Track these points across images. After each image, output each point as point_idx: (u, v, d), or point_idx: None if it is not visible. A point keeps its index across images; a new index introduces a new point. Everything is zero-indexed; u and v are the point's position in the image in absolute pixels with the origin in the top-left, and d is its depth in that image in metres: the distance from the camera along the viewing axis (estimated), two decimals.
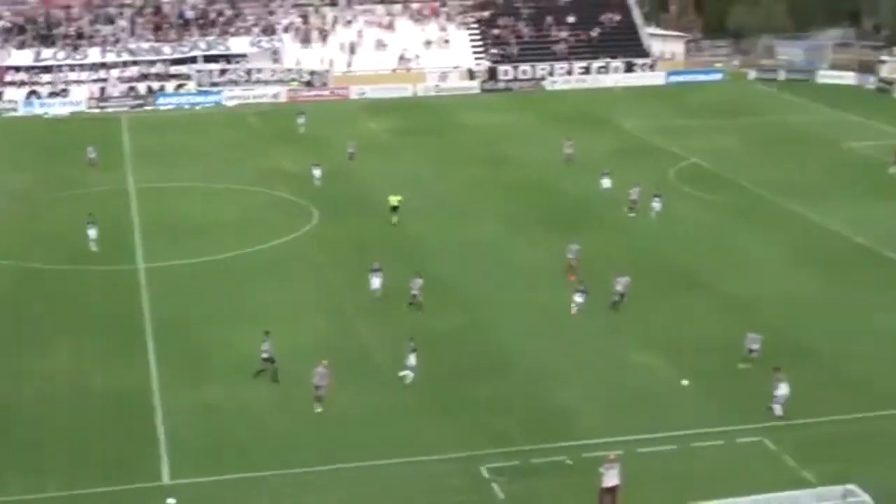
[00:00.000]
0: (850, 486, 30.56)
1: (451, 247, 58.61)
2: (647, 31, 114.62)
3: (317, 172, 70.18)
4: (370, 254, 55.28)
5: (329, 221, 63.10)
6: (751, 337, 43.18)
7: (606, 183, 66.71)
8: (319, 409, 39.95)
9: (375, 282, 50.62)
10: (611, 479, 33.70)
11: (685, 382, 41.87)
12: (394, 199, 61.96)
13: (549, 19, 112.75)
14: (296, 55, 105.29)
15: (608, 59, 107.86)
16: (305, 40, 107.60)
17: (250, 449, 37.80)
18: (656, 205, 62.42)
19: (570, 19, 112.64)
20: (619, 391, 41.82)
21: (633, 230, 61.15)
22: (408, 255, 56.98)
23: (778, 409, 39.22)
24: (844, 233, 60.09)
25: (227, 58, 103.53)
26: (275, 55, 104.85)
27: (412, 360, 42.35)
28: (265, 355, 42.64)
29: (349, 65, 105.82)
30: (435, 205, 66.09)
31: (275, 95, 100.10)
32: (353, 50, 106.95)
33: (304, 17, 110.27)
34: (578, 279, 50.16)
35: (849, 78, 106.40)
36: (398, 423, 39.67)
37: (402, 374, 42.45)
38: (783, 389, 39.20)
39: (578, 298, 48.57)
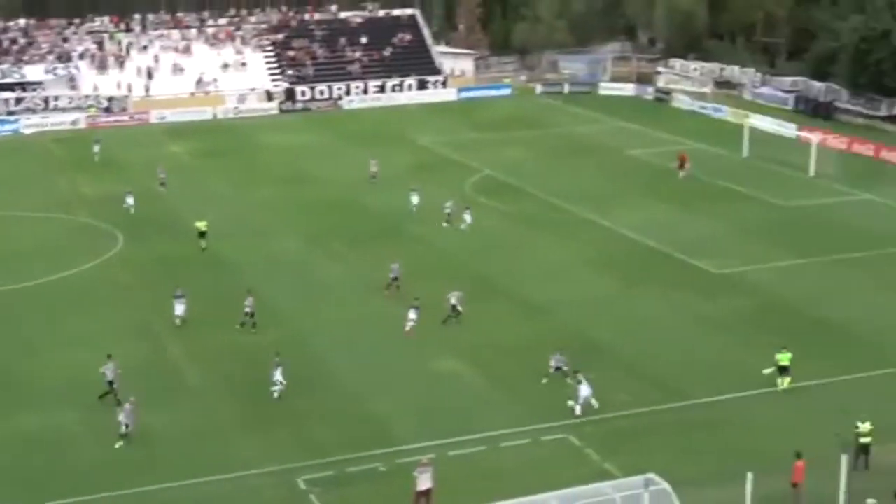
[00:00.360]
0: (651, 475, 31.61)
1: (259, 265, 59.19)
2: (438, 50, 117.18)
3: (130, 200, 69.38)
4: (177, 274, 55.81)
5: (134, 245, 62.91)
6: (557, 358, 44.06)
7: (416, 199, 68.08)
8: (119, 445, 39.39)
9: (179, 308, 50.28)
10: (424, 482, 34.95)
11: None
12: (200, 225, 61.50)
13: (342, 40, 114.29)
14: (93, 81, 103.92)
15: (402, 78, 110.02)
16: (102, 66, 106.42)
17: (66, 475, 37.77)
18: (467, 217, 64.37)
19: (364, 40, 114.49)
20: (430, 398, 43.21)
21: (435, 242, 62.84)
22: (215, 274, 57.60)
23: (578, 410, 41.12)
24: (633, 236, 63.02)
25: (23, 86, 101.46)
26: (71, 82, 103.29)
27: (279, 375, 42.92)
28: (109, 378, 42.52)
29: (147, 90, 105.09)
30: (240, 224, 66.43)
31: (73, 122, 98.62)
32: (150, 75, 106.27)
33: (100, 44, 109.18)
34: (414, 296, 50.58)
35: (628, 89, 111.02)
36: (214, 441, 40.16)
37: (273, 389, 43.07)
38: (584, 391, 41.25)
39: (412, 315, 49.16)
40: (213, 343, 48.43)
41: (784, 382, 43.02)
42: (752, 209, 68.56)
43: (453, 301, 50.01)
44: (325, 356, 47.34)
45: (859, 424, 36.75)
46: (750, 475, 32.53)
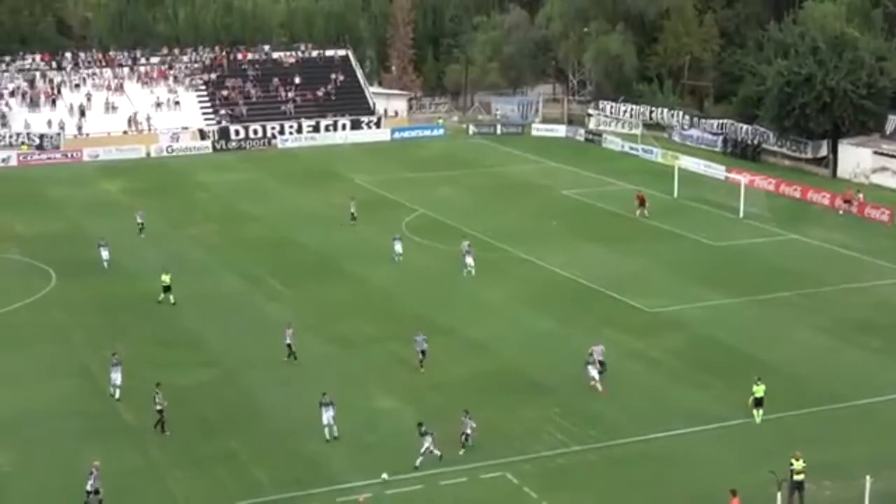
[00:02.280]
0: None
1: (197, 303, 58.94)
2: (372, 90, 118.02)
3: (105, 253, 65.20)
4: (113, 314, 56.14)
5: (69, 284, 62.39)
6: (465, 422, 42.13)
7: (398, 247, 66.64)
8: None
9: (116, 376, 46.98)
10: None
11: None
12: (165, 278, 58.80)
13: (275, 80, 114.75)
14: (24, 119, 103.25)
15: (335, 118, 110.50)
16: (33, 104, 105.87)
17: None
18: (469, 260, 63.77)
19: (297, 80, 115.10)
20: (366, 436, 43.23)
21: (373, 280, 62.97)
22: (151, 313, 57.51)
23: (418, 461, 40.32)
24: (567, 274, 63.64)
25: None
26: (2, 119, 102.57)
27: (329, 418, 42.81)
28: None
29: (80, 128, 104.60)
30: (176, 263, 65.14)
31: (5, 160, 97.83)
32: (83, 113, 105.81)
33: (31, 82, 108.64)
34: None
35: (560, 131, 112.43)
36: (149, 481, 39.90)
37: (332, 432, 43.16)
38: (426, 442, 40.39)
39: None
40: (149, 380, 47.71)
41: (758, 414, 43.86)
42: (684, 248, 69.67)
43: (599, 357, 48.68)
44: (262, 394, 47.29)
45: (793, 462, 37.32)
46: None
